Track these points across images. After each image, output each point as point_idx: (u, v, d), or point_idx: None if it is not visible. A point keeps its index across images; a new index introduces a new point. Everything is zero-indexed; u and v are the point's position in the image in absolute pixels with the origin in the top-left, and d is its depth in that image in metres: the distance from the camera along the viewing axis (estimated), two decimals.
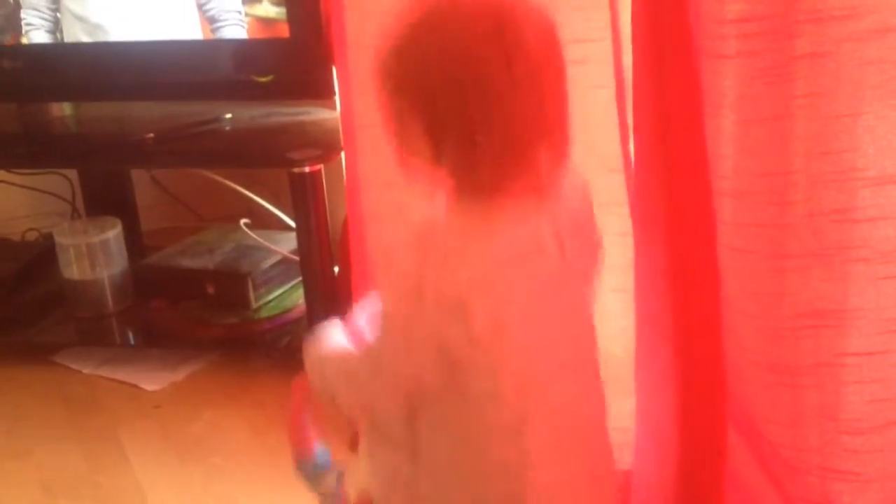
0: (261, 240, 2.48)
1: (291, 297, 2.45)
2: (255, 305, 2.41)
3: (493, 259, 1.00)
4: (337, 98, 2.07)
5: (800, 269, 1.19)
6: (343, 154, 2.03)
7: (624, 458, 1.47)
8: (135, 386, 2.27)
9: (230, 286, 2.40)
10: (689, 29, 1.14)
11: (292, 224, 2.47)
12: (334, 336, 1.22)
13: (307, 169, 2.12)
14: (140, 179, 2.70)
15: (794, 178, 1.16)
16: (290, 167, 2.12)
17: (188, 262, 2.47)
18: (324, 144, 2.20)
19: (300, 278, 2.37)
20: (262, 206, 2.59)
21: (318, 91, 2.19)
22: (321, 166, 2.15)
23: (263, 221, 2.58)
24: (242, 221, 2.51)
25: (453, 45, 0.99)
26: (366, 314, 1.25)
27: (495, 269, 1.00)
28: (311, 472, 1.24)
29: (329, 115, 2.32)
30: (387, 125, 1.05)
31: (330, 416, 1.22)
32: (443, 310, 0.98)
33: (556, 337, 1.09)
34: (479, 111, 0.99)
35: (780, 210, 1.18)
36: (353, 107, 1.93)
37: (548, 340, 1.07)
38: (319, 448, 1.25)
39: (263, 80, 2.19)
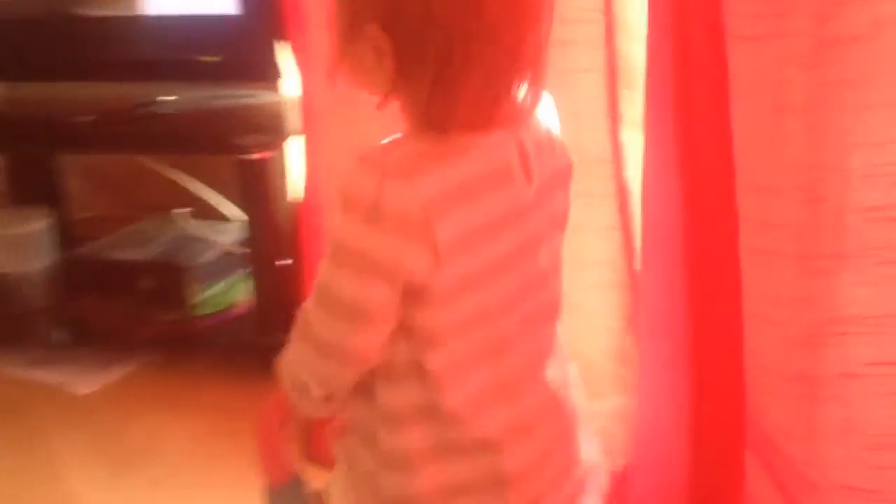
0: (202, 231, 2.37)
1: (234, 291, 2.35)
2: (195, 301, 2.29)
3: (459, 178, 0.91)
4: (285, 80, 1.98)
5: (828, 272, 1.11)
6: (304, 139, 1.91)
7: (614, 461, 1.41)
8: (65, 389, 2.16)
9: (168, 280, 2.29)
10: (717, 8, 1.04)
11: (234, 214, 2.35)
12: None
13: (258, 156, 2.00)
14: (66, 164, 2.54)
15: (825, 173, 1.09)
16: (240, 154, 2.00)
17: (123, 255, 2.36)
18: (271, 130, 2.10)
19: (243, 271, 2.30)
20: (199, 196, 2.45)
21: (267, 72, 2.08)
22: (273, 153, 2.03)
23: (200, 211, 2.46)
24: (181, 211, 2.38)
25: None
26: None
27: (461, 187, 0.91)
28: (284, 501, 1.11)
29: (275, 98, 2.20)
30: (333, 22, 0.93)
31: (306, 437, 1.12)
32: (404, 229, 0.88)
33: (519, 272, 0.99)
34: (460, 36, 0.87)
35: (808, 208, 1.10)
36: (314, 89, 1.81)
37: (510, 274, 0.98)
38: (294, 474, 1.12)
39: (209, 59, 2.06)
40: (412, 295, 0.92)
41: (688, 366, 1.17)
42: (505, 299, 0.97)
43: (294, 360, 1.01)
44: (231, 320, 2.27)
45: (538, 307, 1.02)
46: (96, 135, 2.11)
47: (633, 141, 1.35)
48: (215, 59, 2.07)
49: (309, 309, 0.97)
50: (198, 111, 2.18)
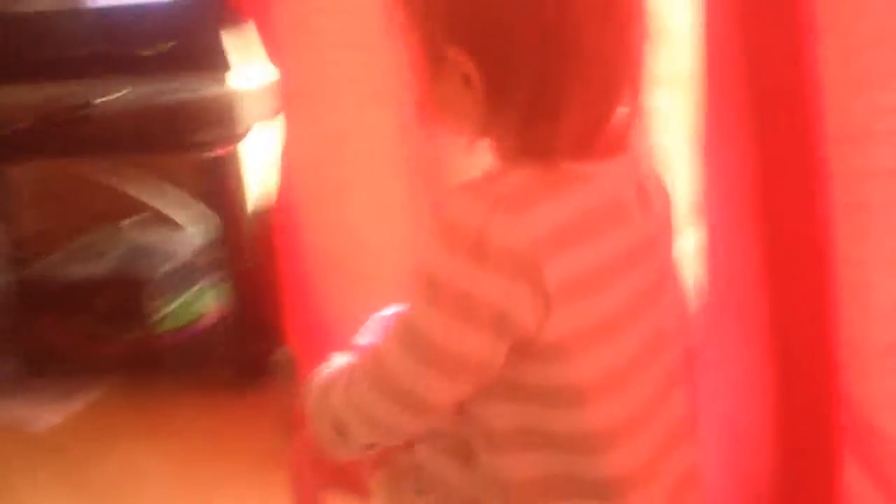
0: (158, 240, 2.22)
1: (199, 303, 2.19)
2: (158, 316, 2.13)
3: (571, 212, 0.81)
4: (238, 67, 1.84)
5: None
6: (284, 126, 1.75)
7: None
8: (25, 423, 1.99)
9: (127, 296, 2.13)
10: None
11: (192, 219, 2.20)
12: (337, 362, 0.97)
13: (222, 151, 1.85)
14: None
15: None
16: (202, 151, 1.86)
17: (74, 272, 2.19)
18: (231, 122, 1.92)
19: (208, 280, 2.16)
20: (152, 202, 2.27)
21: (217, 61, 1.92)
22: (236, 147, 1.87)
23: (151, 219, 2.29)
24: (133, 220, 2.24)
25: None
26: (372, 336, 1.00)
27: (574, 223, 0.81)
28: None
29: (231, 88, 2.03)
30: (412, 51, 0.83)
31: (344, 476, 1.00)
32: (512, 269, 0.78)
33: (641, 326, 0.87)
34: (555, 48, 0.78)
35: None
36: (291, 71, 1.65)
37: (627, 319, 0.86)
38: None
39: (152, 51, 1.89)
40: (520, 348, 0.80)
41: (768, 347, 1.04)
42: (627, 359, 0.85)
43: (344, 402, 0.88)
44: (199, 334, 2.11)
45: (664, 369, 0.89)
46: (33, 142, 1.94)
47: (669, 101, 1.22)
48: (159, 50, 1.90)
49: (387, 351, 0.84)
50: (147, 108, 1.96)
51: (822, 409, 1.03)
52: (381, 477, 0.97)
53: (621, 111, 0.83)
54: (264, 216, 1.99)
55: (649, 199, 0.87)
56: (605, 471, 0.83)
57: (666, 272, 0.92)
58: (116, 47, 1.92)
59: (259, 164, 1.97)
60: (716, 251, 1.00)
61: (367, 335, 0.99)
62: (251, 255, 1.99)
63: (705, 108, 1.01)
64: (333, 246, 1.77)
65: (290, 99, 1.67)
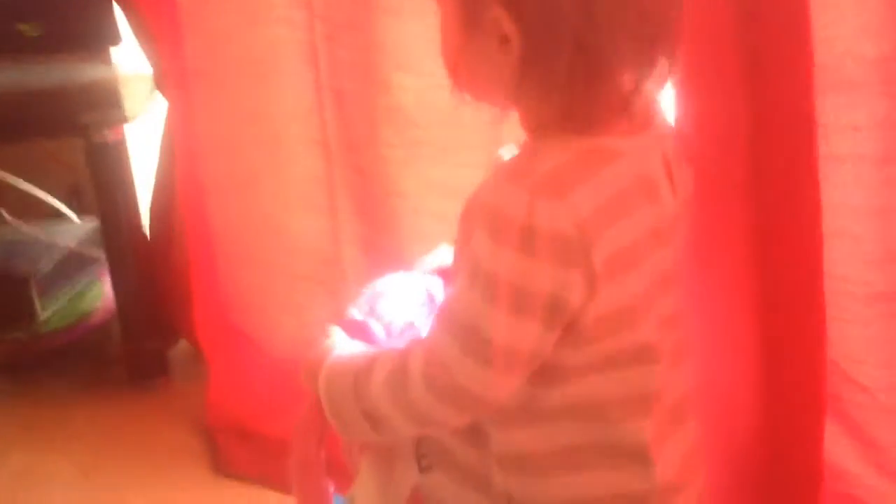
0: (34, 233, 2.05)
1: (88, 299, 2.05)
2: (42, 315, 1.98)
3: (610, 189, 0.78)
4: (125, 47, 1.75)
5: None
6: (172, 111, 1.66)
7: None
8: None
9: (9, 293, 1.97)
10: None
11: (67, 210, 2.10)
12: (347, 346, 0.90)
13: (110, 136, 1.74)
14: None
15: None
16: (88, 135, 1.74)
17: None
18: (115, 105, 1.81)
19: (95, 275, 2.03)
20: (27, 193, 2.11)
21: (102, 40, 1.81)
22: (125, 132, 1.76)
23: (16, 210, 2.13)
24: (14, 210, 2.08)
25: None
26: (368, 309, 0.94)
27: (612, 200, 0.78)
28: None
29: (117, 69, 1.92)
30: (447, 12, 0.80)
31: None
32: (562, 255, 0.76)
33: (656, 300, 0.84)
34: (604, 10, 0.75)
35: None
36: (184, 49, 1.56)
37: (649, 300, 0.83)
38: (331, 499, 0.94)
39: (38, 30, 1.76)
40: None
41: (753, 299, 1.03)
42: (645, 343, 0.82)
43: (387, 397, 0.82)
44: (89, 331, 1.98)
45: (675, 350, 0.87)
46: None
47: None
48: (43, 28, 1.77)
49: (440, 349, 0.79)
50: (30, 90, 1.83)
51: (808, 365, 1.04)
52: (372, 455, 0.92)
53: (656, 74, 0.80)
54: (155, 204, 1.90)
55: (674, 177, 0.84)
56: (635, 437, 0.82)
57: (680, 256, 0.89)
58: None
59: (150, 149, 1.88)
60: (698, 206, 0.98)
61: (364, 307, 0.93)
62: (142, 246, 1.89)
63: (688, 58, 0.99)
64: (241, 234, 1.70)
65: (190, 80, 1.59)
